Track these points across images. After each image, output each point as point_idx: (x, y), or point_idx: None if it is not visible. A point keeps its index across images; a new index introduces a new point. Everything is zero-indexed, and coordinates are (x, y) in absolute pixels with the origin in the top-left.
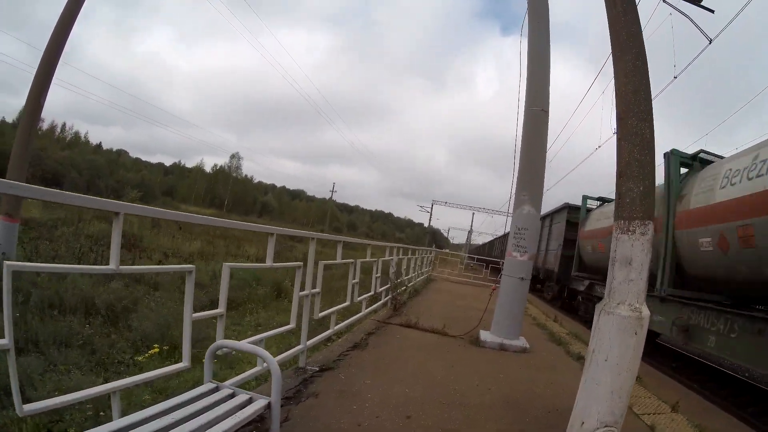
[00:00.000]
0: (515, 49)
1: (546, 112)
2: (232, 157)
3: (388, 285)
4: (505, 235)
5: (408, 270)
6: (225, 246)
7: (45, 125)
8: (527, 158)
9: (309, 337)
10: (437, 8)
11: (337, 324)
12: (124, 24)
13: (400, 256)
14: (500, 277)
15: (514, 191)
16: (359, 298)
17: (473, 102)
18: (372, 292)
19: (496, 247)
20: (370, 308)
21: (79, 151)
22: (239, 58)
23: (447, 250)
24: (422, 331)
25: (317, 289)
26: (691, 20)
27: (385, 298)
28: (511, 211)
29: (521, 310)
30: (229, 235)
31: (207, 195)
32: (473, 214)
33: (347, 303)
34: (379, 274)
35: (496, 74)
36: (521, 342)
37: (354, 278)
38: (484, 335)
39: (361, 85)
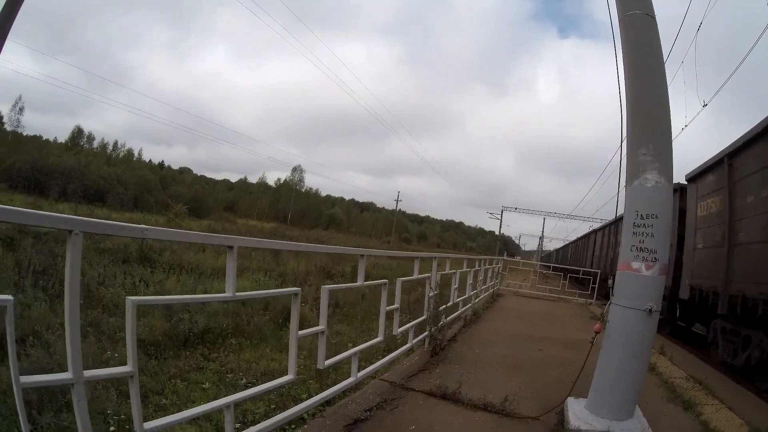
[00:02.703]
0: (573, 52)
1: (652, 17)
2: (294, 170)
3: (424, 317)
4: (585, 237)
5: (465, 288)
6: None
7: (95, 144)
8: (639, 92)
9: None
10: (490, 13)
11: (256, 419)
12: (180, 45)
13: (447, 271)
14: (607, 308)
15: (624, 153)
16: (329, 361)
17: (535, 107)
18: (379, 338)
19: (581, 249)
20: (372, 367)
21: (127, 167)
22: (298, 73)
23: (519, 258)
24: (466, 407)
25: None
26: None
27: (416, 339)
28: (587, 214)
29: (643, 366)
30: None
31: (271, 209)
32: (544, 219)
33: (288, 378)
34: (398, 305)
35: (557, 78)
36: (638, 425)
37: (319, 326)
38: (576, 414)
39: (422, 94)
